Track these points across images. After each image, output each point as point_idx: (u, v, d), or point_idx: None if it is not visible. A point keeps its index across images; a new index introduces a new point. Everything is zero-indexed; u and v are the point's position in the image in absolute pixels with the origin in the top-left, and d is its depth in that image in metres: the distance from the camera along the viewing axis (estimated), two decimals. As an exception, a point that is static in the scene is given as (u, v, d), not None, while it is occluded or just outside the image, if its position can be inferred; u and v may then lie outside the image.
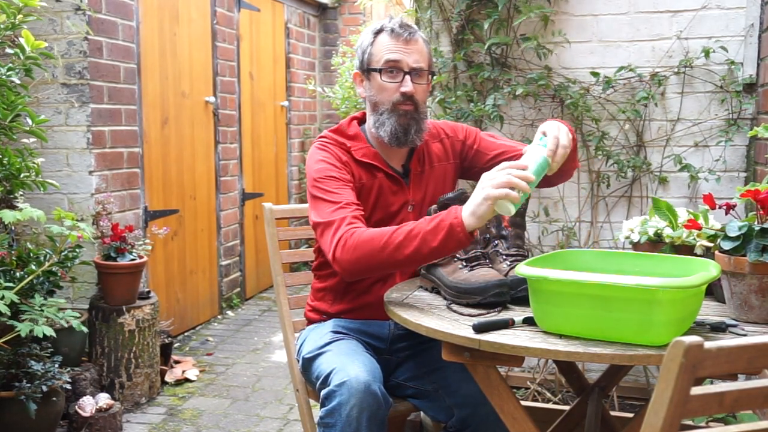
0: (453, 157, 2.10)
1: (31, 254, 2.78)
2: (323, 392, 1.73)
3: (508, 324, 1.53)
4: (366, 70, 1.96)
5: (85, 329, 2.76)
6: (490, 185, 1.60)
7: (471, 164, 2.10)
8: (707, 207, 1.76)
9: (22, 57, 2.62)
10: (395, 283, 1.99)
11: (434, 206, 1.83)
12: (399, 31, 1.93)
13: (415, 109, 1.94)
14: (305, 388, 2.13)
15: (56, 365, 2.77)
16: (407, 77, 1.91)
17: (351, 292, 2.01)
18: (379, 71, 1.92)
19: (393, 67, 1.91)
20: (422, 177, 2.03)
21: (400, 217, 1.98)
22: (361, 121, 2.06)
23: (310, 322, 2.11)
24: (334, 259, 1.75)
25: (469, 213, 1.63)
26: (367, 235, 1.72)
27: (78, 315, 2.71)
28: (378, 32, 1.96)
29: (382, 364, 1.96)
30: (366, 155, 1.98)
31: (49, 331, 2.51)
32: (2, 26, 2.58)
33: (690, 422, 2.58)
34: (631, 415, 2.66)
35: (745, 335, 1.45)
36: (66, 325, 2.58)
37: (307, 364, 1.95)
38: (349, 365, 1.74)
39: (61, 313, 2.62)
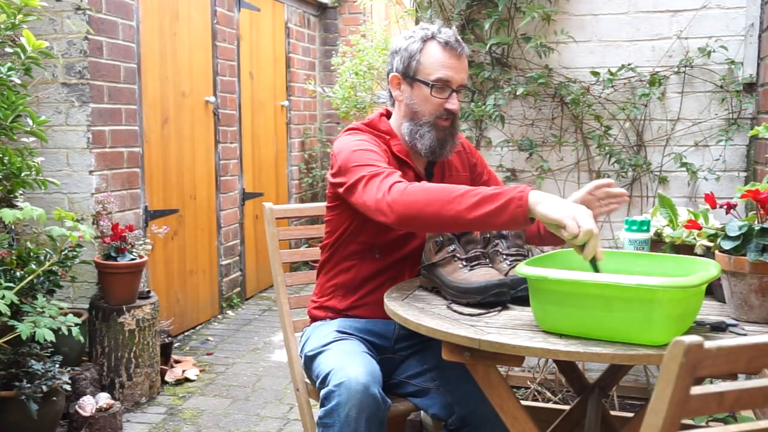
0: (468, 170, 2.14)
1: (32, 254, 2.78)
2: (323, 392, 1.73)
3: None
4: (412, 77, 1.94)
5: (82, 339, 2.76)
6: (580, 219, 1.49)
7: (473, 183, 2.14)
8: (708, 206, 1.76)
9: (22, 56, 2.62)
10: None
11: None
12: (454, 46, 1.91)
13: (452, 123, 1.96)
14: (305, 387, 2.13)
15: (56, 365, 2.77)
16: (454, 95, 1.92)
17: (363, 287, 2.01)
18: (430, 86, 1.91)
19: (443, 84, 1.91)
20: (443, 181, 2.05)
21: None
22: (389, 116, 2.06)
23: (315, 319, 2.10)
24: (384, 202, 1.66)
25: (540, 201, 1.53)
26: (419, 186, 1.65)
27: (79, 319, 2.70)
28: (428, 40, 1.92)
29: (385, 362, 1.96)
30: (401, 151, 1.99)
31: (50, 336, 2.50)
32: (2, 26, 2.58)
33: (690, 422, 2.58)
34: (631, 415, 2.66)
35: (745, 335, 1.45)
36: (66, 333, 2.58)
37: (309, 361, 1.96)
38: (349, 366, 1.74)
39: (61, 317, 2.62)
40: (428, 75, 1.91)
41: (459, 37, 1.95)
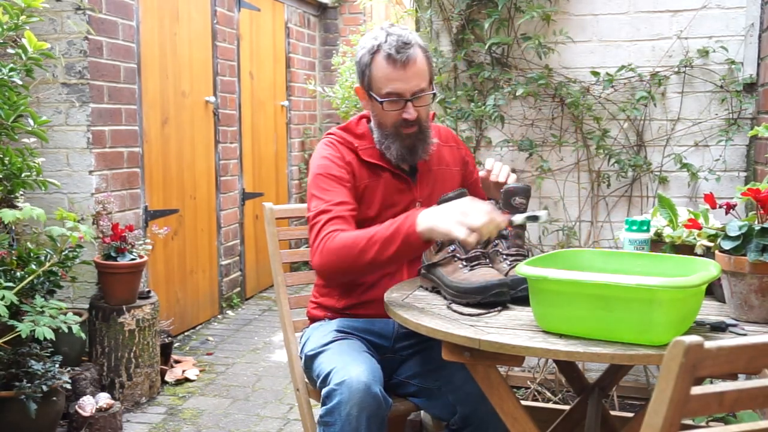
0: (459, 165, 2.14)
1: (32, 254, 2.78)
2: (324, 391, 1.73)
3: (537, 219, 1.67)
4: (368, 92, 1.96)
5: (84, 336, 2.76)
6: (469, 219, 1.58)
7: (462, 180, 2.15)
8: (708, 206, 1.76)
9: (24, 57, 2.63)
10: (403, 278, 2.00)
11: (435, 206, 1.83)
12: (396, 57, 1.87)
13: (419, 129, 1.95)
14: (305, 387, 2.13)
15: (56, 365, 2.77)
16: (409, 104, 1.91)
17: (359, 286, 2.01)
18: (381, 102, 1.92)
19: (395, 97, 1.91)
20: (430, 174, 2.05)
21: None
22: (369, 119, 2.06)
23: (314, 319, 2.11)
24: (313, 264, 1.83)
25: (427, 225, 1.63)
26: (339, 240, 1.77)
27: (79, 318, 2.70)
28: (375, 52, 1.91)
29: (385, 362, 1.96)
30: (372, 155, 1.99)
31: (50, 334, 2.51)
32: (5, 27, 2.58)
33: (690, 422, 2.58)
34: (631, 415, 2.66)
35: (745, 335, 1.45)
36: (66, 330, 2.58)
37: (309, 361, 1.96)
38: (350, 365, 1.74)
39: (61, 316, 2.62)
40: (379, 90, 1.91)
41: (407, 40, 1.87)
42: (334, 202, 1.87)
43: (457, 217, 1.59)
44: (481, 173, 2.02)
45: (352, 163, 1.97)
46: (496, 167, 1.99)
